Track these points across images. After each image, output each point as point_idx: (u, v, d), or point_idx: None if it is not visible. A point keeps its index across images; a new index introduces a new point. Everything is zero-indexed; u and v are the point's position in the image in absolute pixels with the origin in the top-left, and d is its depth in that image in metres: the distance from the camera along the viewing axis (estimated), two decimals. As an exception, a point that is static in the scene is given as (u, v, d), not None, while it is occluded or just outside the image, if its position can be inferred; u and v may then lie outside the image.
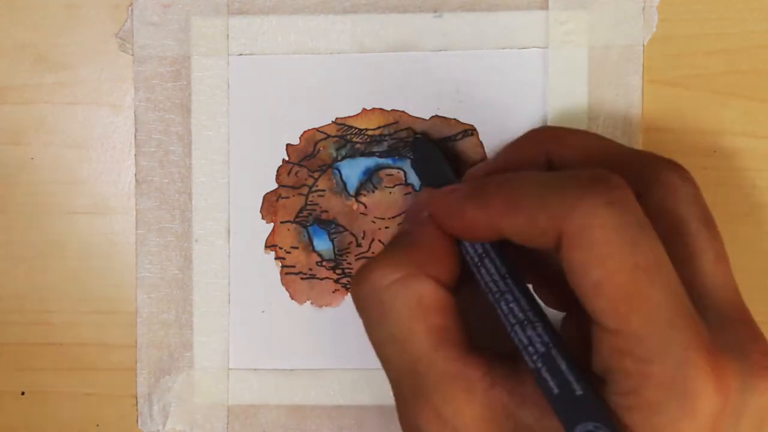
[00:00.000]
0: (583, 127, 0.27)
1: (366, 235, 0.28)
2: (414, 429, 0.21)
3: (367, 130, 0.28)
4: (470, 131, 0.28)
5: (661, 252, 0.19)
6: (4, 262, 0.29)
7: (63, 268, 0.29)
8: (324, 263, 0.28)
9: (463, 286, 0.23)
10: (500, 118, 0.28)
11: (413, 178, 0.28)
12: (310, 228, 0.28)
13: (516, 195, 0.20)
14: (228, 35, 0.28)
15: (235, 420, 0.28)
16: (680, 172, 0.22)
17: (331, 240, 0.28)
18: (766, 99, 0.28)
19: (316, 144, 0.28)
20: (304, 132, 0.28)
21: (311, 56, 0.28)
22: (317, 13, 0.28)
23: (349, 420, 0.28)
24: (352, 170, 0.28)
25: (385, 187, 0.28)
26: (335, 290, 0.28)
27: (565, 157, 0.23)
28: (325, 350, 0.28)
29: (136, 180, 0.28)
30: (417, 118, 0.28)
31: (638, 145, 0.28)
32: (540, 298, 0.24)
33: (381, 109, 0.28)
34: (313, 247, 0.28)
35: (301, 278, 0.28)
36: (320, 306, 0.28)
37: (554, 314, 0.23)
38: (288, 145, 0.28)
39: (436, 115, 0.28)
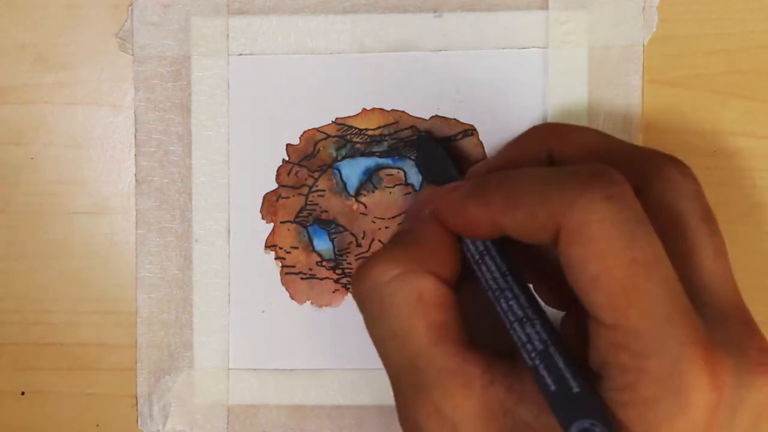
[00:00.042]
0: (583, 127, 0.28)
1: (366, 235, 0.28)
2: (413, 425, 0.21)
3: (367, 130, 0.28)
4: (470, 131, 0.28)
5: (658, 247, 0.19)
6: (4, 262, 0.29)
7: (63, 268, 0.29)
8: (324, 263, 0.28)
9: (463, 284, 0.23)
10: (500, 118, 0.28)
11: (413, 178, 0.28)
12: (310, 228, 0.28)
13: (516, 191, 0.20)
14: (228, 35, 0.28)
15: (235, 420, 0.28)
16: (681, 167, 0.22)
17: (331, 240, 0.28)
18: (766, 99, 0.28)
19: (316, 144, 0.28)
20: (304, 132, 0.28)
21: (311, 56, 0.28)
22: (317, 13, 0.28)
23: (349, 420, 0.28)
24: (352, 170, 0.28)
25: (385, 187, 0.28)
26: (335, 290, 0.28)
27: (566, 153, 0.24)
28: (325, 350, 0.28)
29: (136, 180, 0.28)
30: (417, 118, 0.28)
31: (638, 144, 0.28)
32: (539, 296, 0.24)
33: (381, 109, 0.28)
34: (313, 247, 0.28)
35: (301, 278, 0.28)
36: (320, 306, 0.28)
37: (553, 313, 0.23)
38: (288, 145, 0.28)
39: (436, 115, 0.28)
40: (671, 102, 0.28)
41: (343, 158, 0.28)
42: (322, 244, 0.28)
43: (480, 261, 0.22)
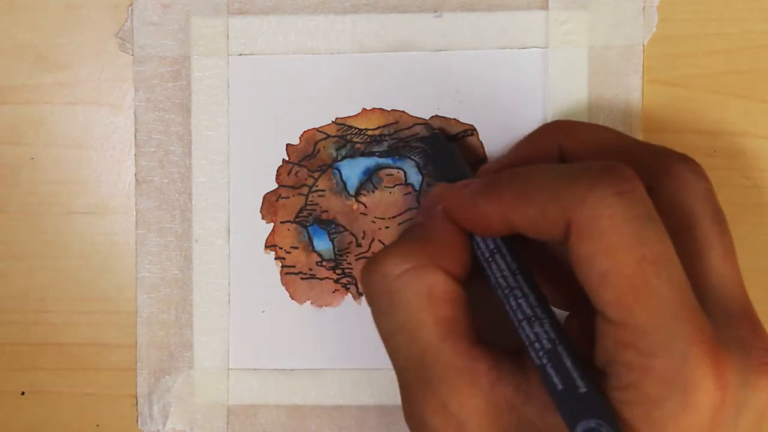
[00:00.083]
0: (583, 127, 0.27)
1: (366, 235, 0.28)
2: (419, 421, 0.21)
3: (367, 130, 0.28)
4: (470, 131, 0.28)
5: (668, 245, 0.19)
6: (4, 262, 0.29)
7: (63, 268, 0.29)
8: (324, 263, 0.28)
9: (473, 282, 0.23)
10: (500, 118, 0.28)
11: (413, 178, 0.28)
12: (310, 228, 0.28)
13: (527, 187, 0.20)
14: (228, 35, 0.28)
15: (235, 420, 0.28)
16: (692, 166, 0.22)
17: (331, 240, 0.28)
18: (766, 99, 0.28)
19: (316, 144, 0.28)
20: (304, 132, 0.28)
21: (311, 56, 0.28)
22: (317, 13, 0.28)
23: (349, 420, 0.28)
24: (352, 170, 0.28)
25: (385, 187, 0.28)
26: (335, 290, 0.28)
27: (577, 151, 0.24)
28: (325, 350, 0.28)
29: (136, 180, 0.28)
30: (417, 118, 0.28)
31: (638, 145, 0.28)
32: (546, 296, 0.24)
33: (381, 109, 0.28)
34: (313, 247, 0.28)
35: (301, 278, 0.28)
36: (320, 306, 0.28)
37: (558, 314, 0.23)
38: (288, 145, 0.28)
39: (436, 115, 0.28)
40: (671, 102, 0.28)
41: (343, 158, 0.28)
42: (322, 244, 0.28)
43: (490, 259, 0.22)
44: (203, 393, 0.28)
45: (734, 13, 0.28)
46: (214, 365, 0.28)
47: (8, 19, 0.29)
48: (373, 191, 0.28)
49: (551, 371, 0.20)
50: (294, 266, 0.28)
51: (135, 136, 0.28)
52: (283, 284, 0.28)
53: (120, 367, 0.29)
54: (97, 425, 0.29)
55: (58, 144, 0.29)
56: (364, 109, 0.28)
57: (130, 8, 0.28)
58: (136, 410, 0.29)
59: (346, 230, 0.28)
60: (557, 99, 0.28)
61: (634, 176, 0.19)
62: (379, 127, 0.28)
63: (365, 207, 0.28)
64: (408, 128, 0.28)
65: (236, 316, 0.28)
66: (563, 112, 0.28)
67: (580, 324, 0.22)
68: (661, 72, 0.28)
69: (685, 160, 0.23)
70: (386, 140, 0.28)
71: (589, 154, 0.23)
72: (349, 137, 0.28)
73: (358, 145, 0.28)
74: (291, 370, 0.28)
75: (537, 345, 0.20)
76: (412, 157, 0.28)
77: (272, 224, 0.28)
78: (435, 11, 0.28)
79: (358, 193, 0.28)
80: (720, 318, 0.20)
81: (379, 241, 0.28)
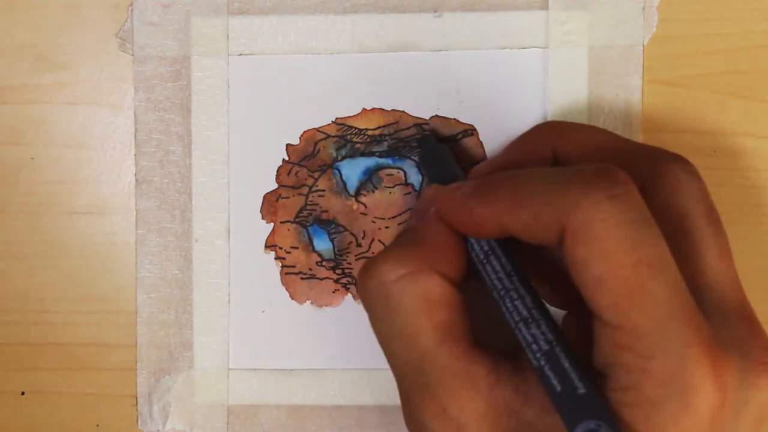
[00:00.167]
0: (583, 127, 0.27)
1: (366, 235, 0.28)
2: (419, 424, 0.21)
3: (367, 130, 0.28)
4: (470, 131, 0.28)
5: (663, 247, 0.19)
6: (4, 262, 0.29)
7: (63, 268, 0.29)
8: (324, 263, 0.28)
9: (469, 283, 0.23)
10: (500, 118, 0.28)
11: (413, 178, 0.28)
12: (310, 228, 0.28)
13: (520, 191, 0.20)
14: (228, 35, 0.28)
15: (235, 420, 0.28)
16: (686, 166, 0.22)
17: (331, 240, 0.28)
18: (766, 99, 0.28)
19: (316, 144, 0.28)
20: (304, 132, 0.28)
21: (311, 56, 0.28)
22: (317, 13, 0.28)
23: (349, 420, 0.28)
24: (352, 170, 0.28)
25: (385, 187, 0.28)
26: (335, 290, 0.28)
27: (570, 152, 0.24)
28: (325, 350, 0.28)
29: (136, 180, 0.28)
30: (417, 118, 0.28)
31: (638, 145, 0.28)
32: (542, 295, 0.24)
33: (381, 109, 0.28)
34: (313, 247, 0.28)
35: (301, 278, 0.28)
36: (320, 306, 0.28)
37: (554, 312, 0.23)
38: (288, 145, 0.28)
39: (436, 115, 0.28)
40: (671, 102, 0.28)
41: (343, 158, 0.28)
42: (322, 244, 0.28)
43: (485, 261, 0.22)
44: (203, 393, 0.28)
45: (734, 13, 0.28)
46: (214, 365, 0.28)
47: (8, 19, 0.29)
48: (373, 191, 0.28)
49: (549, 373, 0.19)
50: (294, 266, 0.28)
51: (135, 136, 0.28)
52: (283, 284, 0.28)
53: (120, 367, 0.29)
54: (97, 425, 0.29)
55: (58, 144, 0.29)
56: (364, 109, 0.28)
57: (130, 8, 0.28)
58: (136, 410, 0.29)
59: (346, 230, 0.28)
60: (557, 99, 0.28)
61: (627, 179, 0.19)
62: (379, 127, 0.28)
63: (365, 207, 0.28)
64: (408, 128, 0.28)
65: (236, 316, 0.28)
66: (563, 112, 0.28)
67: (579, 324, 0.22)
68: (661, 72, 0.28)
69: (679, 160, 0.23)
70: (386, 140, 0.28)
71: (582, 156, 0.23)
72: (349, 137, 0.28)
73: (358, 145, 0.28)
74: (291, 370, 0.28)
75: (534, 346, 0.20)
76: (412, 157, 0.28)
77: (272, 224, 0.28)
78: (435, 11, 0.28)
79: (358, 193, 0.28)
80: (717, 318, 0.20)
81: (379, 241, 0.28)
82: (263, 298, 0.28)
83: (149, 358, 0.29)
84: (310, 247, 0.28)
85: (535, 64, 0.28)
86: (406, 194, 0.28)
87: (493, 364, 0.21)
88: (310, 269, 0.28)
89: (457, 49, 0.28)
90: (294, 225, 0.28)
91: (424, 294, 0.21)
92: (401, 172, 0.28)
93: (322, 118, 0.28)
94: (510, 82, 0.28)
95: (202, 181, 0.28)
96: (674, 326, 0.18)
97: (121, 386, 0.29)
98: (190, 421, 0.28)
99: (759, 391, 0.19)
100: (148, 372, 0.29)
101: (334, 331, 0.28)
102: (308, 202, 0.28)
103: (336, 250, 0.28)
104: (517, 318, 0.21)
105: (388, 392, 0.28)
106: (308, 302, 0.28)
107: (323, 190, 0.28)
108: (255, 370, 0.28)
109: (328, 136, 0.28)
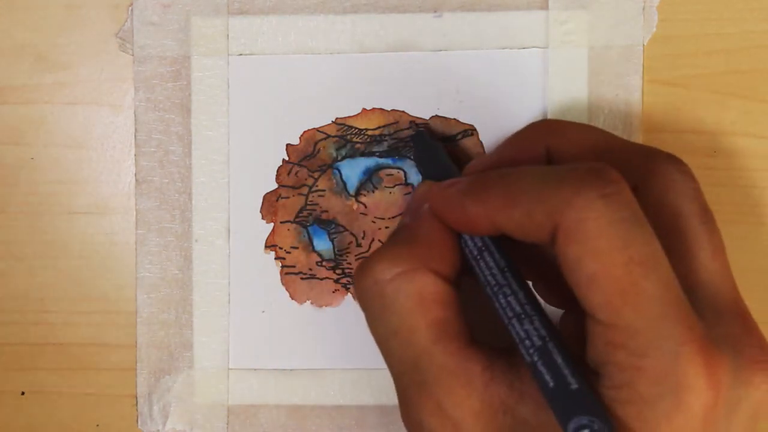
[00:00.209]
0: (583, 127, 0.27)
1: (366, 235, 0.28)
2: (416, 423, 0.21)
3: (367, 130, 0.28)
4: (470, 131, 0.28)
5: (655, 246, 0.19)
6: (4, 262, 0.29)
7: (63, 268, 0.29)
8: (324, 263, 0.28)
9: (464, 279, 0.23)
10: (500, 118, 0.28)
11: (413, 178, 0.28)
12: (310, 228, 0.28)
13: (513, 189, 0.20)
14: (228, 35, 0.28)
15: (235, 420, 0.28)
16: (679, 166, 0.22)
17: (331, 240, 0.28)
18: (766, 99, 0.28)
19: (316, 144, 0.28)
20: (304, 132, 0.28)
21: (311, 56, 0.28)
22: (317, 13, 0.28)
23: (349, 420, 0.28)
24: (352, 170, 0.28)
25: (385, 187, 0.28)
26: (335, 290, 0.28)
27: (564, 151, 0.24)
28: (325, 350, 0.28)
29: (136, 180, 0.28)
30: (417, 118, 0.28)
31: (638, 145, 0.28)
32: (538, 294, 0.24)
33: (381, 109, 0.28)
34: (313, 247, 0.28)
35: (301, 278, 0.28)
36: (320, 306, 0.28)
37: (552, 311, 0.23)
38: (288, 145, 0.28)
39: (436, 115, 0.28)
40: (671, 102, 0.28)
41: (343, 158, 0.28)
42: (322, 244, 0.28)
43: (478, 257, 0.22)
44: (203, 393, 0.28)
45: (734, 13, 0.28)
46: (214, 365, 0.28)
47: (8, 19, 0.29)
48: (373, 191, 0.28)
49: (542, 368, 0.20)
50: (294, 266, 0.28)
51: (135, 136, 0.28)
52: (283, 284, 0.28)
53: (120, 367, 0.29)
54: (97, 425, 0.29)
55: (58, 144, 0.29)
56: (364, 109, 0.28)
57: (130, 8, 0.28)
58: (136, 410, 0.29)
59: (346, 230, 0.28)
60: (557, 99, 0.28)
61: (619, 178, 0.19)
62: (379, 127, 0.28)
63: (365, 207, 0.28)
64: (408, 128, 0.28)
65: (236, 316, 0.28)
66: (563, 112, 0.28)
67: (576, 321, 0.22)
68: (661, 72, 0.28)
69: (673, 160, 0.23)
70: (386, 140, 0.28)
71: (576, 155, 0.23)
72: (349, 137, 0.28)
73: (358, 145, 0.28)
74: (291, 370, 0.28)
75: (527, 342, 0.20)
76: (412, 156, 0.28)
77: (272, 224, 0.28)
78: (435, 11, 0.28)
79: (358, 193, 0.28)
80: (711, 316, 0.20)
81: (379, 241, 0.28)
82: (263, 298, 0.28)
83: (149, 358, 0.29)
84: (310, 247, 0.28)
85: (535, 64, 0.28)
86: (406, 194, 0.28)
87: (488, 361, 0.21)
88: (310, 269, 0.28)
89: (457, 49, 0.28)
90: (294, 225, 0.28)
91: (418, 292, 0.21)
92: (401, 172, 0.28)
93: (322, 118, 0.28)
94: (510, 82, 0.28)
95: (202, 181, 0.28)
96: (667, 324, 0.18)
97: (121, 386, 0.29)
98: (190, 421, 0.28)
99: (753, 389, 0.19)
100: (148, 372, 0.29)
101: (334, 331, 0.28)
102: (308, 202, 0.28)
103: (336, 250, 0.28)
104: (510, 314, 0.21)
105: (388, 392, 0.28)
106: (308, 302, 0.28)
107: (323, 190, 0.28)
108: (255, 370, 0.28)
109: (328, 136, 0.28)
